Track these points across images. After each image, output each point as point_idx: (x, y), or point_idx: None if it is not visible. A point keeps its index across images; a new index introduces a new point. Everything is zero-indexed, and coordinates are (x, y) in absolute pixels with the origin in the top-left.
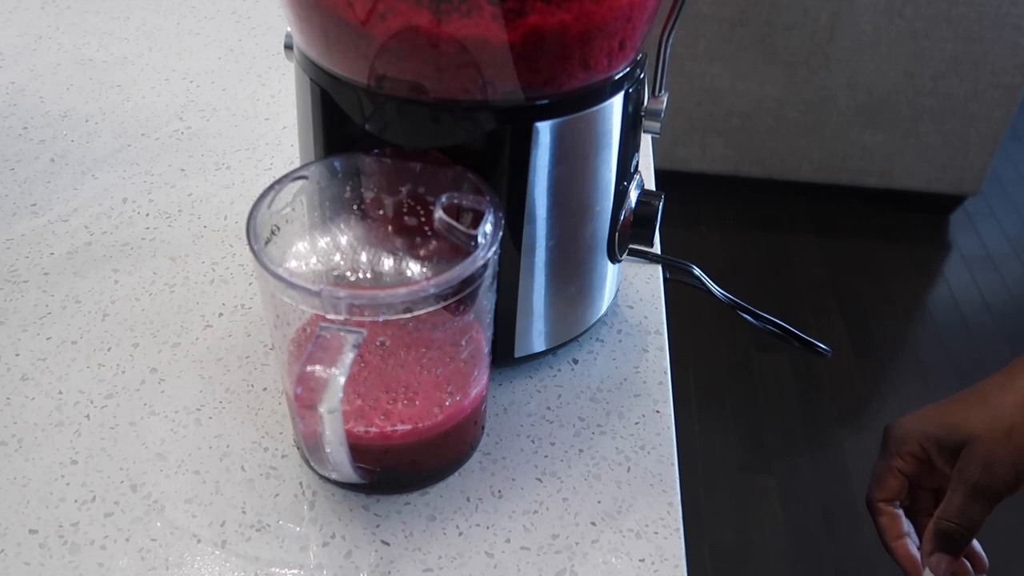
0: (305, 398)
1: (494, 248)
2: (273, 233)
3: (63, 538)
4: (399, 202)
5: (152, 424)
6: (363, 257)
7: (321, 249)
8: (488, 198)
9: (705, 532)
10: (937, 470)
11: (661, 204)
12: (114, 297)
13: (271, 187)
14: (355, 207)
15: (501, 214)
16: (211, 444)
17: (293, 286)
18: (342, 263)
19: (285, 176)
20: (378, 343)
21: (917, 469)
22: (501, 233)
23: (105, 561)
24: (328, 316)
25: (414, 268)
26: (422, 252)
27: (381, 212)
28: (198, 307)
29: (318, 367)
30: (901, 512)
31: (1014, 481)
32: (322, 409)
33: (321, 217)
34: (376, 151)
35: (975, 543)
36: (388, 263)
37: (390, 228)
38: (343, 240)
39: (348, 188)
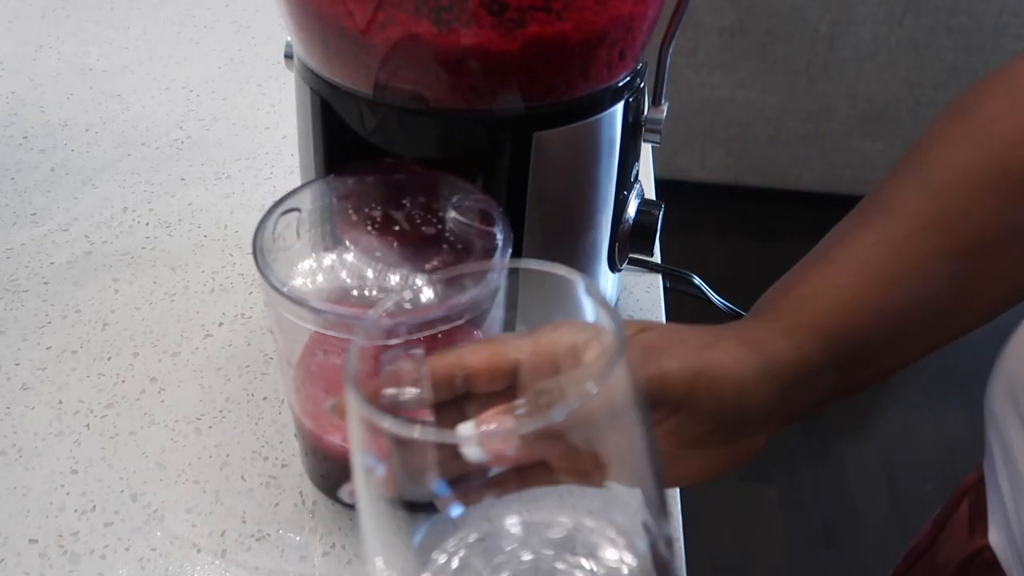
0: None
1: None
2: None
3: (63, 547)
4: (399, 216)
5: (152, 433)
6: (369, 273)
7: (327, 268)
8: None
9: (706, 542)
10: None
11: (661, 213)
12: (114, 306)
13: (267, 217)
14: (355, 224)
15: (509, 228)
16: (211, 453)
17: (344, 318)
18: (348, 280)
19: (276, 206)
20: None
21: (542, 364)
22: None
23: (105, 571)
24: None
25: (421, 280)
26: (427, 265)
27: (379, 227)
28: (198, 316)
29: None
30: None
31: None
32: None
33: (321, 238)
34: (368, 168)
35: None
36: (395, 278)
37: (394, 243)
38: (347, 259)
39: (347, 208)
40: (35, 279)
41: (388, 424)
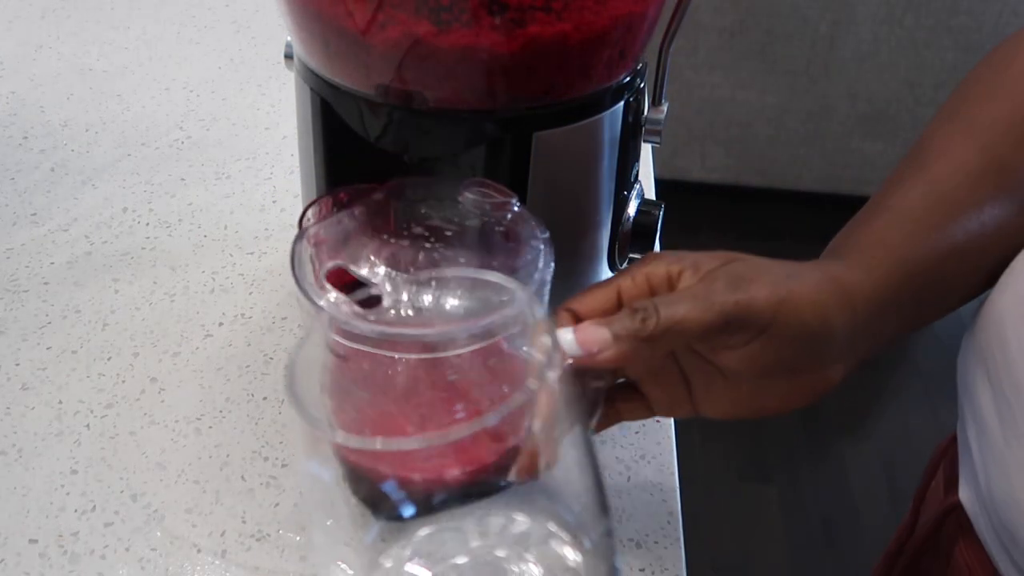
0: None
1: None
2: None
3: (63, 548)
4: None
5: (152, 433)
6: (404, 296)
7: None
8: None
9: (706, 542)
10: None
11: (661, 213)
12: (114, 307)
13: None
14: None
15: (550, 240)
16: (211, 454)
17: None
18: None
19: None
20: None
21: (641, 294)
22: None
23: (105, 571)
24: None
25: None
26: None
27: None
28: (198, 316)
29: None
30: None
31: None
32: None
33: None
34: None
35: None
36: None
37: (419, 255)
38: (379, 272)
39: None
40: (35, 279)
41: (341, 439)
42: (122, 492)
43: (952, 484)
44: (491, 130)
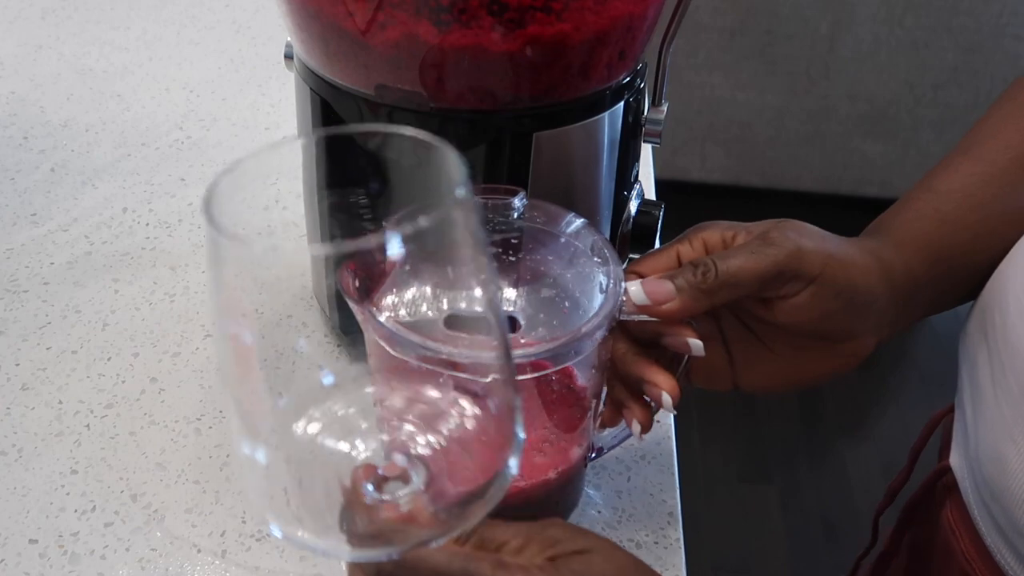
0: None
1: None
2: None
3: (63, 548)
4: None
5: (152, 434)
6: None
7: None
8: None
9: (706, 542)
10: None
11: (661, 213)
12: (114, 307)
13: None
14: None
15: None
16: (211, 454)
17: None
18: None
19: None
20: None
21: (698, 256)
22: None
23: (105, 571)
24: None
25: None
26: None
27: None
28: (198, 317)
29: None
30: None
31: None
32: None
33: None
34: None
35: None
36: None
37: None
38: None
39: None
40: (35, 279)
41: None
42: (122, 492)
43: (945, 449)
44: (491, 130)
